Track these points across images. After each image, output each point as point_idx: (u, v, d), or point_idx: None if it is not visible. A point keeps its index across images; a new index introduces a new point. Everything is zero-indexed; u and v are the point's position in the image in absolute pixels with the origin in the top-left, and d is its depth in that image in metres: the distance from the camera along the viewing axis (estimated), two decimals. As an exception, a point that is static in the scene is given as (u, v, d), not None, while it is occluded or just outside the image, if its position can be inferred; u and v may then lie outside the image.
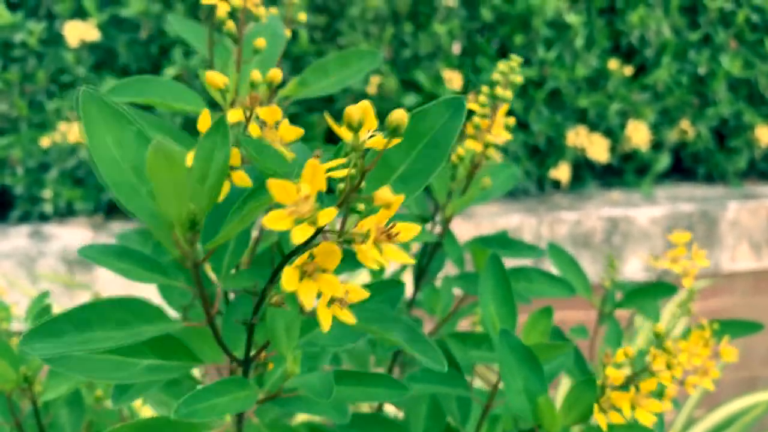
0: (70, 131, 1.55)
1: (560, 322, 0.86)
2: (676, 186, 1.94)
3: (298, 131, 0.44)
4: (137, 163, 0.38)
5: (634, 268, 1.76)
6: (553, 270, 0.80)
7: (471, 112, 0.64)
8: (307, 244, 0.35)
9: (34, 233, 1.56)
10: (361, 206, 0.34)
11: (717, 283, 1.82)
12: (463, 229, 1.60)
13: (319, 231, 0.34)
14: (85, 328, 0.38)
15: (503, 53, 1.82)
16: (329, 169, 0.34)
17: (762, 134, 1.88)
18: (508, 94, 0.62)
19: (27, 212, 1.63)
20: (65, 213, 1.64)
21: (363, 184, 0.34)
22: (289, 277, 0.34)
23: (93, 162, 0.38)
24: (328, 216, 0.32)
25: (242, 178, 0.42)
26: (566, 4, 1.77)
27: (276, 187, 0.32)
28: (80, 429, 0.63)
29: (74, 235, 1.55)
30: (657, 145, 1.92)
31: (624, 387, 0.54)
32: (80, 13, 1.61)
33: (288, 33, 0.61)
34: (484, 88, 0.64)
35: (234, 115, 0.44)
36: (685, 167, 2.00)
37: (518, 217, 1.68)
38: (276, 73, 0.45)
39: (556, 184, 1.85)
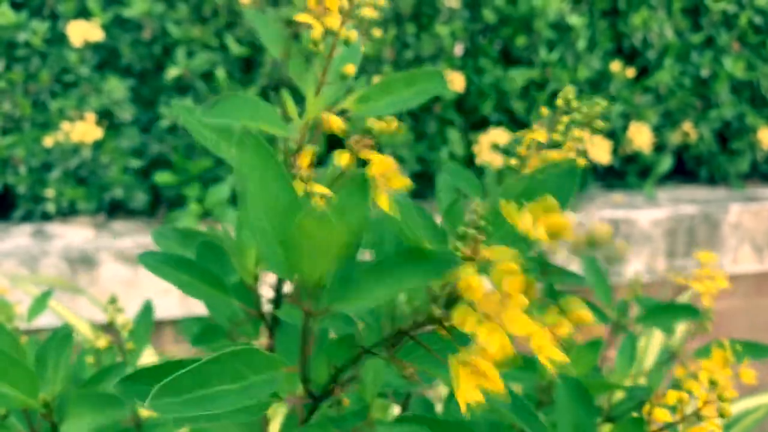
0: (73, 131, 1.55)
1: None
2: (679, 188, 1.94)
3: (406, 182, 0.42)
4: (273, 207, 0.37)
5: (636, 270, 1.76)
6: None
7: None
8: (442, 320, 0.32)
9: (36, 232, 1.56)
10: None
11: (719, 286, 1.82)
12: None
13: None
14: (206, 384, 0.37)
15: (505, 55, 1.83)
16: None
17: (764, 136, 1.88)
18: (584, 136, 0.59)
19: (29, 211, 1.64)
20: (68, 212, 1.65)
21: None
22: (456, 373, 0.31)
23: (242, 198, 0.37)
24: (522, 327, 0.30)
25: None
26: (568, 5, 1.77)
27: (471, 285, 0.30)
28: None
29: (76, 234, 1.56)
30: (659, 147, 1.92)
31: (669, 426, 0.53)
32: (84, 13, 1.62)
33: (362, 50, 0.58)
34: (562, 120, 0.61)
35: (342, 159, 0.42)
36: (687, 169, 2.00)
37: (520, 219, 1.68)
38: (392, 122, 0.43)
39: (558, 186, 1.85)
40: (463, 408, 0.31)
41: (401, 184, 0.41)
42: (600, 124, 0.59)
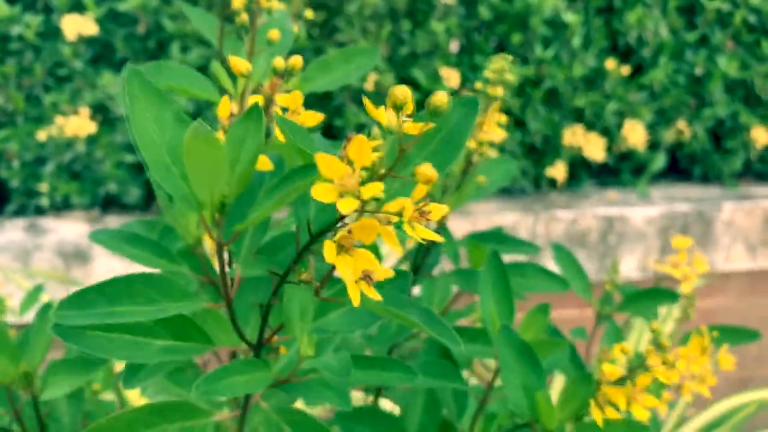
0: (67, 125, 1.55)
1: (555, 319, 0.87)
2: (672, 186, 1.94)
3: (319, 116, 0.45)
4: (173, 144, 0.39)
5: (629, 267, 1.77)
6: (552, 268, 0.80)
7: None
8: (338, 221, 0.36)
9: (30, 227, 1.56)
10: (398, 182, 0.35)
11: (712, 283, 1.83)
12: (460, 226, 1.60)
13: (363, 205, 0.35)
14: (114, 301, 0.39)
15: (501, 51, 1.83)
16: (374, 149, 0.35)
17: (758, 135, 1.89)
18: (499, 91, 0.63)
19: (23, 205, 1.63)
20: (61, 207, 1.64)
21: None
22: (329, 250, 0.35)
23: (133, 139, 0.39)
24: (374, 190, 0.34)
25: (264, 163, 0.43)
26: (564, 3, 1.78)
27: (324, 162, 0.34)
28: (79, 420, 0.64)
29: (70, 228, 1.56)
30: (653, 145, 1.92)
31: (620, 383, 0.54)
32: (78, 7, 1.61)
33: (295, 29, 0.62)
34: (478, 86, 0.65)
35: (253, 101, 0.45)
36: (681, 167, 2.00)
37: (514, 215, 1.68)
38: (297, 60, 0.46)
39: (553, 183, 1.85)
40: (352, 293, 0.36)
41: (313, 120, 0.45)
42: (510, 77, 0.63)
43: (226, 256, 0.44)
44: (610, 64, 1.81)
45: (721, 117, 1.92)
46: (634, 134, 1.83)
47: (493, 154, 0.75)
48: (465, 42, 1.79)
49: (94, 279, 1.50)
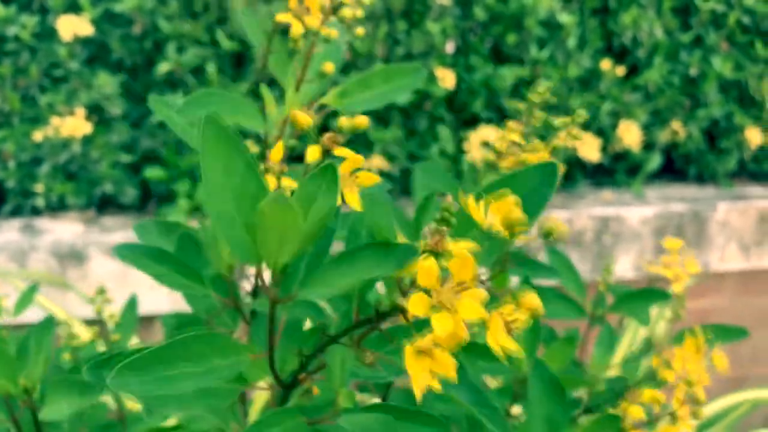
0: (63, 125, 1.55)
1: (552, 319, 0.87)
2: (667, 186, 1.95)
3: (376, 178, 0.43)
4: (239, 194, 0.37)
5: (624, 268, 1.77)
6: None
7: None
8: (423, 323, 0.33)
9: (25, 227, 1.56)
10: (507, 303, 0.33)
11: (706, 283, 1.84)
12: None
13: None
14: (169, 365, 0.38)
15: (496, 52, 1.83)
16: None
17: (752, 136, 1.89)
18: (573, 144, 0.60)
19: (19, 206, 1.63)
20: (57, 207, 1.65)
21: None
22: (409, 356, 0.32)
23: (203, 187, 0.38)
24: (474, 312, 0.31)
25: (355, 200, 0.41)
26: (559, 4, 1.78)
27: (425, 271, 0.31)
28: (78, 427, 0.63)
29: (66, 229, 1.56)
30: (648, 146, 1.93)
31: (647, 425, 0.54)
32: (74, 8, 1.61)
33: (348, 55, 0.59)
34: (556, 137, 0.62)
35: (313, 153, 0.43)
36: (676, 167, 2.01)
37: (509, 216, 1.68)
38: (363, 121, 0.44)
39: (548, 183, 1.86)
40: (417, 394, 0.32)
41: (370, 181, 0.42)
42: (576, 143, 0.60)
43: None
44: (605, 64, 1.81)
45: (716, 117, 1.93)
46: (629, 134, 1.84)
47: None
48: (460, 43, 1.80)
49: (90, 280, 1.50)
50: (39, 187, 1.58)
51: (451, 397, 0.38)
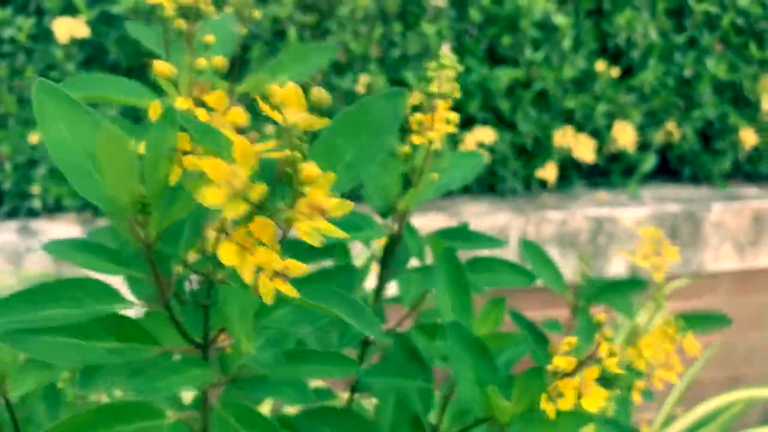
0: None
1: (546, 319, 0.88)
2: (662, 187, 1.96)
3: (244, 115, 0.45)
4: (91, 149, 0.39)
5: (619, 268, 1.78)
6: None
7: (416, 108, 0.64)
8: (245, 221, 0.36)
9: (22, 229, 1.56)
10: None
11: (700, 283, 1.84)
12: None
13: (258, 208, 0.35)
14: (36, 306, 0.40)
15: (491, 54, 1.84)
16: (267, 150, 0.36)
17: (746, 136, 1.90)
18: (445, 88, 0.62)
19: (15, 208, 1.63)
20: (54, 209, 1.65)
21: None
22: (226, 251, 0.35)
23: (48, 148, 0.40)
24: (259, 191, 0.34)
25: (192, 163, 0.43)
26: (554, 5, 1.79)
27: (208, 164, 0.34)
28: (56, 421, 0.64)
29: (63, 231, 1.56)
30: (643, 146, 1.94)
31: (570, 375, 0.54)
32: (70, 10, 1.62)
33: (243, 31, 0.61)
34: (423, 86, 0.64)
35: (182, 103, 0.45)
36: (671, 168, 2.02)
37: (505, 216, 1.69)
38: (220, 60, 0.47)
39: (543, 184, 1.86)
40: (266, 298, 0.36)
41: (240, 118, 0.45)
42: (450, 73, 0.61)
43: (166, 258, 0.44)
44: (600, 66, 1.82)
45: (710, 118, 1.94)
46: (624, 135, 1.85)
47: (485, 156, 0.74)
48: (456, 44, 1.80)
49: (87, 281, 1.50)
50: (35, 189, 1.59)
51: (330, 311, 0.39)
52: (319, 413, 0.61)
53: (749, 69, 1.91)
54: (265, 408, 1.14)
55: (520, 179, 1.83)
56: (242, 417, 0.46)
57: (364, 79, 1.68)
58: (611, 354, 0.53)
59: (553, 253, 1.72)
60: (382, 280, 0.74)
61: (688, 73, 1.89)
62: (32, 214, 1.64)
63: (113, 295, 0.42)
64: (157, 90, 0.56)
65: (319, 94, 0.35)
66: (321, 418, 0.60)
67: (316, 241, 0.36)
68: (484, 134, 1.73)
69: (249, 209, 0.35)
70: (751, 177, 2.04)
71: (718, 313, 0.77)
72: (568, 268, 1.71)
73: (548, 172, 1.80)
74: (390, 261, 0.72)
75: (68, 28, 1.55)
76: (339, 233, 0.36)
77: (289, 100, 0.36)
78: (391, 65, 1.75)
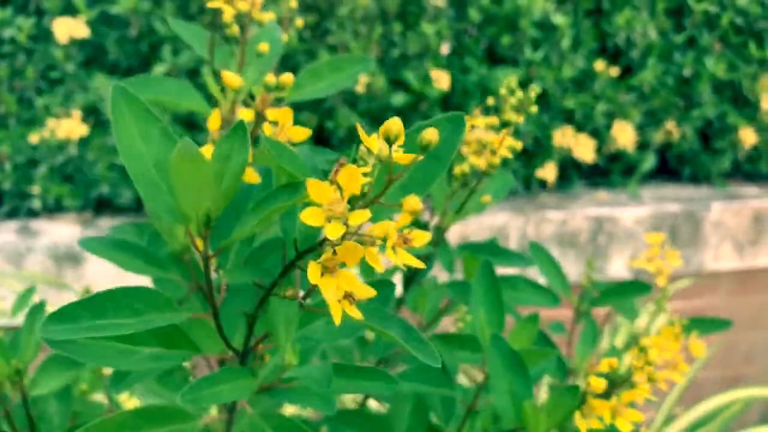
0: (59, 127, 1.55)
1: (549, 318, 0.88)
2: (662, 186, 1.96)
3: (306, 132, 0.46)
4: (160, 159, 0.40)
5: (619, 268, 1.78)
6: (536, 271, 0.81)
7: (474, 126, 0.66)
8: (326, 242, 0.37)
9: (22, 229, 1.56)
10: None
11: (700, 283, 1.85)
12: (452, 228, 1.61)
13: (353, 233, 0.36)
14: (99, 315, 0.40)
15: (491, 54, 1.84)
16: (364, 174, 0.37)
17: (746, 136, 1.91)
18: (521, 119, 0.63)
19: (15, 208, 1.63)
20: (54, 209, 1.65)
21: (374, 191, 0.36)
22: (313, 272, 0.36)
23: (121, 154, 0.40)
24: (361, 217, 0.35)
25: (251, 176, 0.44)
26: (553, 5, 1.79)
27: (314, 187, 0.35)
28: (68, 420, 0.64)
29: (63, 231, 1.56)
30: (643, 146, 1.94)
31: (605, 396, 0.55)
32: (70, 10, 1.62)
33: (285, 37, 0.62)
34: (490, 101, 0.65)
35: (245, 116, 0.45)
36: (670, 168, 2.02)
37: (505, 216, 1.69)
38: (288, 78, 0.47)
39: (543, 184, 1.87)
40: (336, 319, 0.36)
41: (301, 135, 0.46)
42: (534, 110, 0.63)
43: (212, 266, 0.44)
44: (600, 65, 1.82)
45: (710, 118, 1.94)
46: (624, 135, 1.85)
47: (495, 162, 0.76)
48: (455, 44, 1.81)
49: (87, 281, 1.50)
50: (35, 189, 1.59)
51: (384, 332, 0.40)
52: (342, 417, 0.62)
53: (748, 68, 1.91)
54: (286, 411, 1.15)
55: (519, 179, 1.83)
56: (278, 426, 0.47)
57: (364, 79, 1.69)
58: (650, 380, 0.53)
59: (553, 253, 1.72)
60: (407, 289, 0.75)
61: (687, 72, 1.89)
62: (32, 214, 1.64)
63: (168, 305, 0.43)
64: (207, 96, 0.57)
65: (431, 135, 0.36)
66: (344, 421, 0.61)
67: (400, 265, 0.36)
68: (483, 135, 1.73)
69: (345, 233, 0.35)
70: (750, 176, 2.04)
71: (719, 318, 0.77)
72: (568, 267, 1.71)
73: (548, 171, 1.81)
74: (418, 272, 0.73)
75: (68, 29, 1.56)
76: (419, 264, 0.37)
77: (386, 133, 0.37)
78: (391, 65, 1.75)
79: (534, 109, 0.64)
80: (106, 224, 1.60)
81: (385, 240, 0.36)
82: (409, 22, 1.75)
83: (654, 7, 1.87)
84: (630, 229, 1.77)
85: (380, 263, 0.36)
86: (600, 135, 1.87)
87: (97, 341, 0.42)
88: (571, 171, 1.89)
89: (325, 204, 0.35)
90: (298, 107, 1.70)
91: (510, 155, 0.66)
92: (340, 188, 0.35)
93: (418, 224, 0.72)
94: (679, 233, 1.81)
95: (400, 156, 0.37)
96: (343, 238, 0.36)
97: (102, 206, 1.68)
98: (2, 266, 1.46)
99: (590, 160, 1.81)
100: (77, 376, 0.57)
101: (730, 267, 1.87)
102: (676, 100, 1.92)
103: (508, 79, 0.65)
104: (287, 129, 0.45)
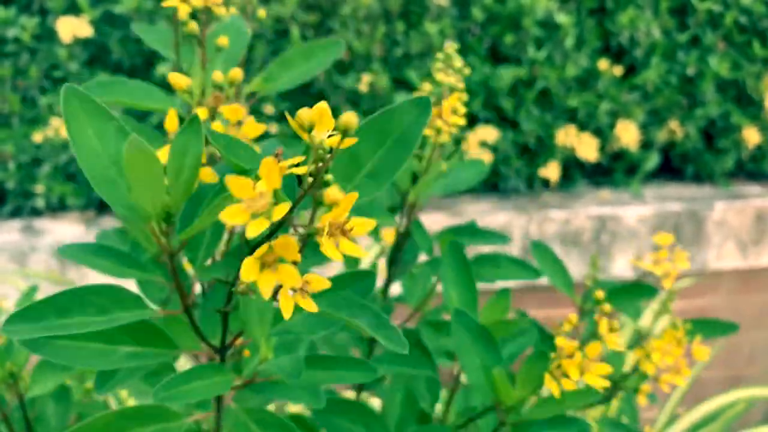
0: (62, 127, 1.55)
1: (546, 319, 0.88)
2: (665, 185, 1.96)
3: (260, 128, 0.46)
4: (117, 157, 0.40)
5: (622, 267, 1.78)
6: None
7: None
8: (268, 237, 0.36)
9: (25, 228, 1.57)
10: (326, 201, 0.36)
11: (703, 282, 1.84)
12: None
13: (280, 225, 0.36)
14: (64, 313, 0.40)
15: (494, 53, 1.84)
16: (291, 166, 0.36)
17: (749, 135, 1.90)
18: (453, 80, 0.63)
19: (19, 207, 1.64)
20: (57, 208, 1.65)
21: (329, 179, 0.36)
22: (248, 268, 0.35)
23: (76, 154, 0.40)
24: (281, 211, 0.34)
25: (208, 174, 0.44)
26: (556, 4, 1.79)
27: (233, 183, 0.34)
28: (67, 422, 0.65)
29: (66, 230, 1.56)
30: (646, 145, 1.93)
31: (572, 355, 0.55)
32: (73, 9, 1.62)
33: (249, 31, 0.62)
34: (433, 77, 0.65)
35: (200, 114, 0.45)
36: (673, 167, 2.02)
37: (507, 215, 1.69)
38: (237, 73, 0.47)
39: (546, 183, 1.87)
40: (286, 314, 0.36)
41: (256, 131, 0.46)
42: (458, 63, 0.63)
43: (182, 263, 0.44)
44: (603, 64, 1.82)
45: (713, 117, 1.93)
46: (627, 134, 1.84)
47: (486, 156, 0.76)
48: (458, 43, 1.80)
49: (89, 280, 1.50)
50: (39, 188, 1.59)
51: (351, 321, 0.40)
52: (331, 409, 0.62)
53: (752, 67, 1.90)
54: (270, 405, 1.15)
55: (522, 178, 1.83)
56: (262, 421, 0.47)
57: (366, 78, 1.69)
58: (612, 329, 0.53)
59: (556, 252, 1.72)
60: (390, 278, 0.75)
61: (691, 71, 1.89)
62: (36, 213, 1.64)
63: (136, 302, 0.43)
64: (168, 92, 0.57)
65: (348, 118, 0.35)
66: (334, 413, 0.61)
67: (338, 258, 0.36)
68: (487, 133, 1.73)
69: (271, 228, 0.35)
70: (753, 175, 2.04)
71: (723, 320, 0.77)
72: (571, 267, 1.71)
73: (551, 170, 1.80)
74: (398, 258, 0.73)
75: (71, 28, 1.56)
76: (361, 253, 0.36)
77: (317, 120, 0.36)
78: (394, 64, 1.75)
79: (459, 63, 0.63)
80: (108, 223, 1.61)
81: (318, 232, 0.35)
82: (412, 21, 1.75)
83: (658, 6, 1.87)
84: (633, 228, 1.77)
85: (337, 254, 0.36)
86: (603, 134, 1.87)
87: (73, 341, 0.42)
88: (574, 170, 1.89)
89: (246, 200, 0.34)
90: (300, 104, 1.70)
91: (461, 120, 0.65)
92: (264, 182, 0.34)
93: (392, 209, 0.72)
94: (682, 232, 1.81)
95: (330, 140, 0.36)
96: (275, 233, 0.36)
97: (105, 205, 1.69)
98: (6, 265, 1.47)
99: (593, 159, 1.81)
100: (78, 376, 0.57)
101: (733, 266, 1.87)
102: (679, 99, 1.91)
103: (445, 47, 0.64)
104: (241, 125, 0.45)
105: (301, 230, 0.36)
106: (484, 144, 1.74)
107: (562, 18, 1.76)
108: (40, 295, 1.07)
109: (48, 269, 1.49)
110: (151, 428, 0.45)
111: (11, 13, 1.58)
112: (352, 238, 0.36)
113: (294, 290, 0.37)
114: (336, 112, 0.35)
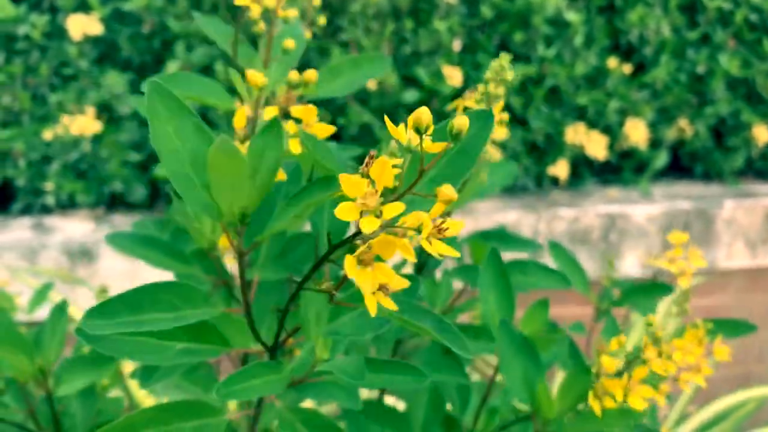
0: (73, 124, 1.56)
1: (558, 317, 0.88)
2: (674, 184, 1.95)
3: (331, 129, 0.46)
4: (194, 155, 0.40)
5: (631, 265, 1.78)
6: (552, 266, 0.81)
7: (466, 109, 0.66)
8: (359, 235, 0.37)
9: (36, 225, 1.57)
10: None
11: (712, 281, 1.84)
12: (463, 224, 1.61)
13: (388, 226, 0.36)
14: (137, 310, 0.41)
15: (503, 50, 1.84)
16: (394, 166, 0.36)
17: (759, 133, 1.89)
18: (501, 91, 0.63)
19: (29, 204, 1.64)
20: (67, 205, 1.66)
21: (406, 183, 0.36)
22: (350, 265, 0.36)
23: (158, 152, 0.40)
24: (395, 210, 0.35)
25: (279, 174, 0.44)
26: (566, 2, 1.78)
27: (347, 181, 0.35)
28: (92, 417, 0.65)
29: (76, 227, 1.57)
30: (655, 143, 1.93)
31: (617, 375, 0.55)
32: (83, 7, 1.62)
33: (308, 35, 0.63)
34: (480, 87, 0.66)
35: (270, 113, 0.46)
36: (683, 165, 2.01)
37: (516, 214, 1.69)
38: (312, 74, 0.47)
39: (555, 181, 1.86)
40: (371, 310, 0.36)
41: (325, 132, 0.46)
42: (509, 76, 0.63)
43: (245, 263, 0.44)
44: (612, 62, 1.81)
45: (723, 115, 1.93)
46: (636, 132, 1.84)
47: (496, 153, 0.76)
48: (468, 41, 1.80)
49: (100, 278, 1.51)
50: (49, 186, 1.60)
51: (416, 324, 0.40)
52: (361, 411, 0.62)
53: (763, 65, 1.90)
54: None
55: (531, 176, 1.83)
56: (308, 421, 0.47)
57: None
58: (660, 356, 0.53)
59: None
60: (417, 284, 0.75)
61: (700, 69, 1.88)
62: (46, 210, 1.65)
63: (204, 300, 0.43)
64: (231, 92, 0.57)
65: (462, 123, 0.36)
66: (364, 415, 0.62)
67: (411, 257, 0.36)
68: (496, 130, 1.73)
69: (380, 226, 0.35)
70: (763, 174, 2.03)
71: (742, 321, 0.77)
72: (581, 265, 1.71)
73: (560, 169, 1.80)
74: (427, 262, 0.73)
75: (82, 26, 1.56)
76: (455, 253, 0.37)
77: (427, 121, 0.36)
78: (403, 62, 1.75)
79: (510, 76, 0.64)
80: (118, 221, 1.61)
81: (419, 230, 0.35)
82: (420, 18, 1.75)
83: (667, 3, 1.86)
84: (642, 226, 1.77)
85: (413, 254, 0.36)
86: (612, 132, 1.87)
87: (132, 337, 0.43)
88: (582, 168, 1.89)
89: (358, 198, 0.35)
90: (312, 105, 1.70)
91: (503, 131, 0.66)
92: (372, 181, 0.35)
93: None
94: (692, 231, 1.80)
95: (430, 145, 0.36)
96: (359, 234, 0.36)
97: (115, 203, 1.69)
98: (16, 262, 1.47)
99: (602, 157, 1.80)
100: (102, 374, 0.58)
101: (742, 265, 1.86)
102: (689, 97, 1.91)
103: (497, 61, 0.65)
104: (312, 126, 0.45)
105: (400, 230, 0.36)
106: (492, 141, 1.74)
107: (572, 16, 1.76)
108: (51, 293, 1.07)
109: (58, 266, 1.49)
110: (193, 423, 0.45)
111: (22, 10, 1.59)
112: (446, 239, 0.36)
113: (378, 290, 0.37)
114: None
